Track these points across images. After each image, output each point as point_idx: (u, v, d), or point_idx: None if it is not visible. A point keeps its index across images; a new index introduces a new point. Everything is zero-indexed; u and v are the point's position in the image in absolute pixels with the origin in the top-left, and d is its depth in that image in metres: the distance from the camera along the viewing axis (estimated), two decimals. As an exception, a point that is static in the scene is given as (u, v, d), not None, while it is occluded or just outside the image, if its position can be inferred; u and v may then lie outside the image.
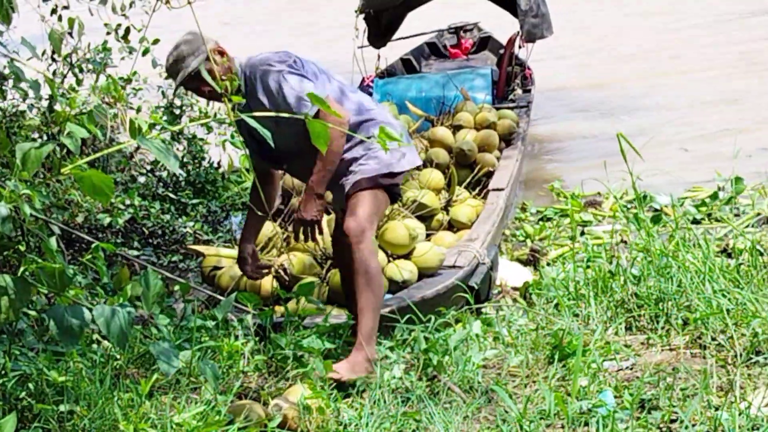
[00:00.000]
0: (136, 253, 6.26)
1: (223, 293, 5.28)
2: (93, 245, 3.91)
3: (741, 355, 4.36)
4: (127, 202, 6.14)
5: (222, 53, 4.72)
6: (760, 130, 9.02)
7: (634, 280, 5.24)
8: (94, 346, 4.30)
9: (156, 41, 6.29)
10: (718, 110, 9.89)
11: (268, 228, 5.72)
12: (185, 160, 7.55)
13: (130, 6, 6.13)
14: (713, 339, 4.62)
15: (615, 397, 4.11)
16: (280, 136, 4.56)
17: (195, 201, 7.19)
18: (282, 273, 5.42)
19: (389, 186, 4.87)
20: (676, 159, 8.58)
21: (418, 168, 6.27)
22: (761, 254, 5.45)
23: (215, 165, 7.81)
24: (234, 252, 5.67)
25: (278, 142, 4.62)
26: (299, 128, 3.63)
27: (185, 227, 6.77)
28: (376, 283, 4.62)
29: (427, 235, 6.13)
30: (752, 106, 9.85)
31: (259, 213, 4.80)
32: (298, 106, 4.54)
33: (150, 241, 6.69)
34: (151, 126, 3.30)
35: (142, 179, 7.21)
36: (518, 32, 9.12)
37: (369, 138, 4.35)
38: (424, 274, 5.56)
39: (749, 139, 8.56)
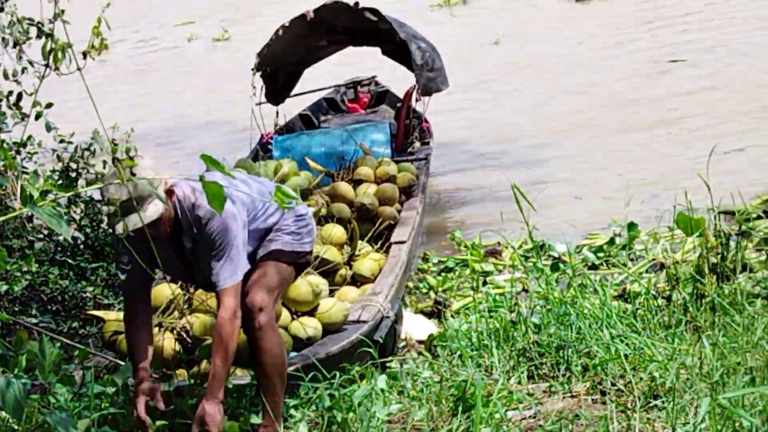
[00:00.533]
0: (34, 321, 6.11)
1: (124, 358, 5.19)
2: (-14, 315, 3.84)
3: (639, 399, 4.43)
4: (25, 268, 6.02)
5: (171, 193, 4.46)
6: (651, 177, 9.20)
7: (535, 329, 5.31)
8: (-9, 417, 4.20)
9: (49, 105, 6.22)
10: (611, 159, 10.07)
11: (168, 291, 5.66)
12: (83, 223, 7.43)
13: (22, 72, 6.05)
14: (613, 384, 4.69)
15: (520, 446, 4.16)
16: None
17: (94, 265, 7.08)
18: (184, 335, 5.35)
19: (300, 264, 4.96)
20: (573, 208, 8.72)
21: (319, 224, 6.30)
22: (656, 298, 5.57)
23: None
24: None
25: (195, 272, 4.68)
26: None
27: (85, 292, 6.66)
28: (278, 356, 4.59)
29: (331, 291, 6.11)
30: (644, 154, 10.05)
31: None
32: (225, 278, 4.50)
33: (49, 307, 6.55)
34: (44, 192, 3.25)
35: (39, 244, 7.08)
36: (415, 86, 9.23)
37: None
38: (329, 330, 5.53)
39: (641, 185, 8.73)
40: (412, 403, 4.75)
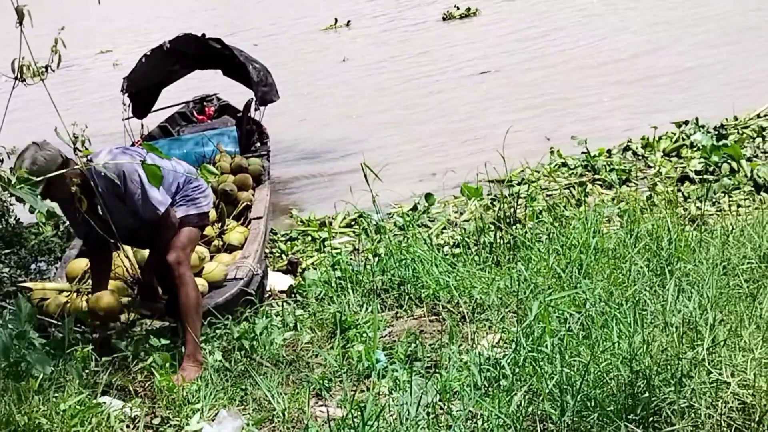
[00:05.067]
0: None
1: (50, 317, 5.09)
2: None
3: (467, 315, 4.70)
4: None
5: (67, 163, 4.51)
6: (446, 156, 9.47)
7: (379, 273, 5.50)
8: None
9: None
10: (409, 149, 10.29)
11: (84, 262, 5.60)
12: (-6, 218, 7.20)
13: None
14: (444, 307, 4.93)
15: (386, 355, 4.35)
16: (134, 223, 4.75)
17: (6, 251, 6.90)
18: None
19: (197, 223, 5.01)
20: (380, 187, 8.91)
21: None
22: (467, 246, 5.84)
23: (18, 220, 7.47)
24: (54, 285, 5.52)
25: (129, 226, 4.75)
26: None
27: (2, 273, 6.50)
28: (194, 300, 4.70)
29: (211, 257, 6.15)
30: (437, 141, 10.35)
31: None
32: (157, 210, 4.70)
33: (-25, 285, 6.35)
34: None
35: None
36: (252, 98, 9.27)
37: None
38: (214, 286, 5.58)
39: (434, 163, 9.01)
40: (297, 332, 4.87)
